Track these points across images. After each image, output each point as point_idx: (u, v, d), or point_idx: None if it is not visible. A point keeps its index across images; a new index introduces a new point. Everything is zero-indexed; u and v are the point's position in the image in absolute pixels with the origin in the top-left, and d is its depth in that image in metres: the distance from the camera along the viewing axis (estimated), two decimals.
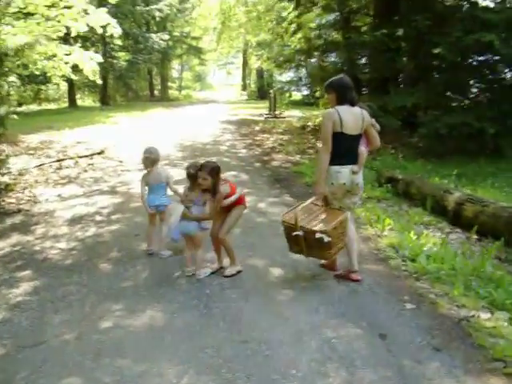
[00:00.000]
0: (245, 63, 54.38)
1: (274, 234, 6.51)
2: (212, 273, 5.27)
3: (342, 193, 4.92)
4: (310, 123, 20.15)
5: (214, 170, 4.93)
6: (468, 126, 11.39)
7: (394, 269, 5.43)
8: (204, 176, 4.85)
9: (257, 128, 20.09)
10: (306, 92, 35.32)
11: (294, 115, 24.60)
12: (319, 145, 5.01)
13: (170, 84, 53.39)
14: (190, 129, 19.59)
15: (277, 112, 25.23)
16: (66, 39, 21.61)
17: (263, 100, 39.31)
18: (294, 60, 18.77)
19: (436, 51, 11.51)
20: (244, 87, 55.36)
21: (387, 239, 6.32)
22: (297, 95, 34.23)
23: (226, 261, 5.40)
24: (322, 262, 5.37)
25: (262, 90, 44.55)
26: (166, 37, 37.12)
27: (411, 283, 5.03)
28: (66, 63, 13.25)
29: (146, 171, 5.87)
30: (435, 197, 7.82)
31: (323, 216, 4.88)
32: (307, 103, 31.65)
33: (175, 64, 56.57)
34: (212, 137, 17.44)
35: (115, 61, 35.00)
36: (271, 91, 27.93)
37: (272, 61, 23.79)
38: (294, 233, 4.70)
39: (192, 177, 5.06)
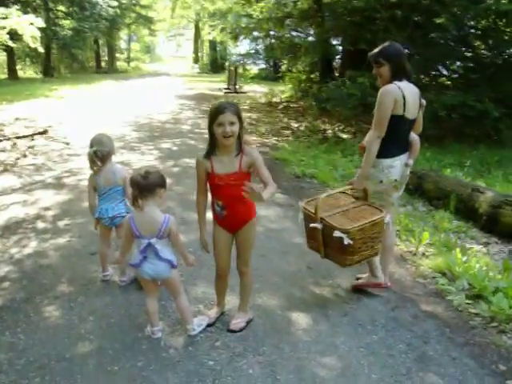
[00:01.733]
0: (197, 35, 52.28)
1: (278, 250, 5.00)
2: (209, 325, 3.64)
3: (389, 190, 4.03)
4: (275, 99, 18.61)
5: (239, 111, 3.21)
6: (468, 108, 10.04)
7: (459, 311, 3.95)
8: (231, 119, 3.10)
9: None
10: (262, 65, 34.08)
11: (255, 90, 23.04)
12: (373, 128, 3.89)
13: (118, 55, 50.79)
14: (145, 104, 17.71)
15: (237, 87, 23.49)
16: (1, 2, 19.47)
17: (216, 73, 37.76)
18: (261, 30, 17.01)
19: (438, 21, 10.04)
20: (196, 60, 53.20)
21: (429, 260, 4.85)
22: (252, 69, 32.62)
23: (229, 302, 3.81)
24: (359, 282, 4.32)
25: (215, 63, 42.97)
26: (115, 3, 34.66)
27: (496, 339, 3.56)
28: (3, 28, 11.62)
29: (93, 170, 4.20)
30: (461, 196, 6.41)
31: (354, 211, 3.89)
32: (266, 77, 30.26)
33: (123, 34, 53.63)
34: (170, 114, 15.63)
35: (59, 29, 32.41)
36: (229, 64, 26.26)
37: (227, 32, 22.08)
38: (312, 224, 3.79)
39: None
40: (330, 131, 12.15)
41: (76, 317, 3.75)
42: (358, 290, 4.24)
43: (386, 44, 3.95)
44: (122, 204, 4.23)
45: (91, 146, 4.13)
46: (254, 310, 3.80)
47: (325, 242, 3.80)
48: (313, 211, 3.78)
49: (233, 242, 3.50)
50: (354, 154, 9.52)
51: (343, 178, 7.90)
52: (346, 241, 3.56)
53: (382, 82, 3.90)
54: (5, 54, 29.26)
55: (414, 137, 4.08)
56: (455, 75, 12.48)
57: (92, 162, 4.11)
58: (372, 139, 3.81)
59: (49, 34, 29.05)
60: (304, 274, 4.57)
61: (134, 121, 13.89)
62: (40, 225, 5.76)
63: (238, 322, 3.57)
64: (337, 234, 3.58)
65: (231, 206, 3.31)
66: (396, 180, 3.94)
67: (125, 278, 4.28)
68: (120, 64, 49.28)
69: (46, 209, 6.33)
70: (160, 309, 3.68)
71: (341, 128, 12.32)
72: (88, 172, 4.35)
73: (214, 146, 3.26)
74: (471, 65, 11.79)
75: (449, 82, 12.24)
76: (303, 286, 4.30)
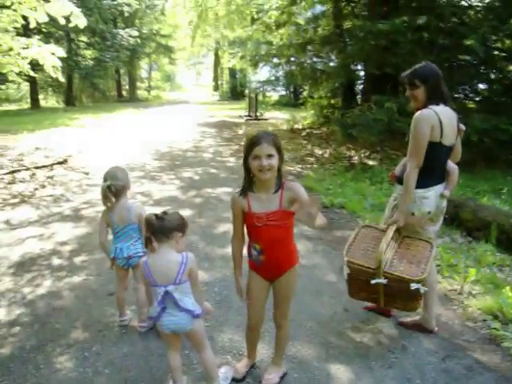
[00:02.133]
0: (216, 63, 52.53)
1: (311, 290, 4.61)
2: (238, 380, 3.23)
3: (423, 223, 3.72)
4: (297, 126, 18.31)
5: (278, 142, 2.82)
6: (501, 132, 9.59)
7: None
8: (268, 151, 2.72)
9: (240, 131, 18.09)
10: (282, 92, 33.97)
11: (276, 117, 22.79)
12: (409, 158, 3.59)
13: (138, 84, 51.32)
14: (165, 133, 17.51)
15: (257, 114, 23.28)
16: (24, 33, 19.62)
17: (236, 101, 37.73)
18: (281, 56, 16.78)
19: (468, 42, 9.67)
20: (216, 87, 53.43)
21: (477, 300, 4.40)
22: (272, 96, 32.48)
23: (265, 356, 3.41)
24: (408, 320, 4.03)
25: (235, 91, 42.99)
26: (135, 33, 34.95)
27: None
28: (24, 58, 11.57)
29: (106, 206, 3.84)
30: (503, 226, 5.97)
31: (405, 251, 3.62)
32: (286, 104, 30.06)
33: (144, 63, 54.24)
34: (192, 142, 15.38)
35: (81, 58, 32.78)
36: (250, 91, 26.14)
37: (247, 59, 21.97)
38: (375, 281, 3.41)
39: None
40: (355, 158, 11.75)
41: (90, 369, 3.38)
42: (403, 327, 3.99)
43: (422, 64, 3.68)
44: (139, 243, 3.86)
45: (105, 179, 3.78)
46: (288, 362, 3.40)
47: (389, 293, 3.50)
48: (369, 266, 3.45)
49: (269, 290, 3.09)
50: (382, 182, 9.11)
51: (373, 207, 7.50)
52: (423, 289, 3.35)
53: (416, 105, 3.64)
54: (28, 84, 29.51)
55: (451, 165, 3.78)
56: (479, 98, 12.05)
57: (105, 198, 3.76)
58: (410, 170, 3.51)
59: (71, 64, 29.41)
60: (341, 317, 4.15)
61: (154, 149, 13.66)
62: (55, 261, 5.45)
63: (271, 378, 3.15)
64: (414, 286, 3.30)
65: (270, 251, 2.90)
66: (429, 212, 3.63)
67: (145, 324, 3.90)
68: (141, 93, 49.76)
69: (63, 243, 6.02)
70: (184, 359, 3.30)
71: (366, 154, 11.93)
72: None
73: (250, 183, 2.88)
74: (498, 87, 11.37)
75: (474, 105, 11.80)
76: (341, 331, 3.89)
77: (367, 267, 3.46)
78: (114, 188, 3.73)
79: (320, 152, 12.82)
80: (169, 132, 17.70)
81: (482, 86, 12.30)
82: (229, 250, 5.73)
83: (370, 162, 11.25)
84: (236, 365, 3.33)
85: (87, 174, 10.35)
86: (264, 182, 2.80)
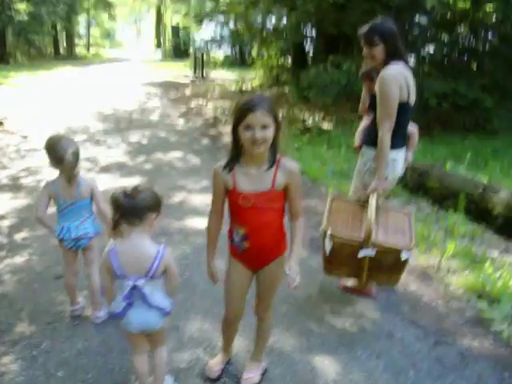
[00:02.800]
0: (158, 20, 50.76)
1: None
2: (213, 380, 2.83)
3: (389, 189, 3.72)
4: (246, 87, 17.75)
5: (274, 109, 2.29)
6: (460, 97, 9.44)
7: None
8: (264, 121, 2.20)
9: (187, 92, 17.36)
10: (228, 51, 33.15)
11: (222, 77, 22.08)
12: (380, 121, 3.32)
13: (76, 41, 49.01)
14: (108, 92, 16.63)
15: (203, 74, 22.53)
16: None
17: (180, 59, 36.59)
18: (231, 12, 16.05)
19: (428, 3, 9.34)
20: (158, 45, 51.75)
21: (457, 277, 4.15)
22: (217, 55, 31.66)
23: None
24: (348, 284, 3.94)
25: (178, 49, 41.80)
26: None
27: None
28: None
29: (54, 177, 3.23)
30: (471, 196, 5.77)
31: (386, 221, 3.43)
32: (232, 64, 29.36)
33: (82, 19, 51.78)
34: (137, 103, 14.62)
35: (14, 13, 30.69)
36: (194, 50, 25.26)
37: (192, 16, 21.12)
38: (363, 253, 3.20)
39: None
40: (309, 121, 11.36)
41: (40, 371, 2.90)
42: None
43: (379, 21, 3.43)
44: (89, 222, 3.32)
45: (64, 150, 3.07)
46: (267, 355, 3.01)
47: (374, 266, 3.30)
48: (356, 239, 3.23)
49: (251, 280, 2.65)
50: (340, 147, 8.78)
51: (335, 174, 7.18)
52: (410, 258, 3.25)
53: (373, 64, 3.47)
54: None
55: (410, 128, 3.66)
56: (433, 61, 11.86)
57: (72, 170, 3.13)
58: (383, 133, 3.29)
59: (3, 19, 27.54)
60: (317, 299, 3.82)
61: (98, 111, 12.85)
62: None
63: (251, 377, 2.77)
64: (405, 255, 3.18)
65: (256, 237, 2.43)
66: (399, 176, 3.61)
67: (100, 313, 3.45)
68: (79, 50, 47.62)
69: (1, 218, 5.42)
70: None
71: (321, 117, 11.56)
72: (48, 171, 3.43)
73: (237, 155, 2.37)
74: (452, 50, 11.22)
75: (428, 69, 11.61)
76: (320, 316, 3.55)
77: (354, 240, 3.23)
78: (74, 156, 3.10)
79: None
80: (111, 92, 16.80)
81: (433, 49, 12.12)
82: (187, 223, 5.32)
83: (326, 126, 10.91)
84: (209, 362, 2.91)
85: (25, 137, 9.55)
86: (255, 156, 2.31)
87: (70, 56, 40.87)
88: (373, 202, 3.25)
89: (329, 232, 3.28)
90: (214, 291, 3.52)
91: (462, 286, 3.99)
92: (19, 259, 4.40)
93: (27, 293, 3.83)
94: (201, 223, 5.25)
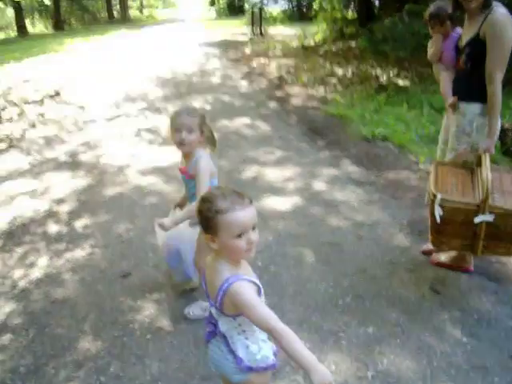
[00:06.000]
0: None
1: (383, 262, 3.55)
2: None
3: None
4: (308, 42, 16.73)
5: None
6: None
7: None
8: None
9: (247, 51, 16.50)
10: (285, 6, 31.92)
11: (281, 33, 21.07)
12: (492, 70, 3.01)
13: (130, 3, 48.58)
14: (165, 55, 16.01)
15: (262, 30, 21.57)
16: None
17: (234, 17, 35.57)
18: None
19: None
20: (212, 4, 50.66)
21: None
22: (274, 10, 30.54)
23: None
24: (442, 259, 3.53)
25: (233, 6, 40.70)
26: None
27: None
28: None
29: (207, 150, 2.77)
30: None
31: (496, 184, 3.05)
32: (290, 18, 28.24)
33: None
34: (196, 65, 13.92)
35: None
36: (250, 6, 24.39)
37: None
38: (480, 218, 2.82)
39: None
40: (383, 78, 10.37)
41: None
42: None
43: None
44: None
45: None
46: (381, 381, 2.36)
47: (489, 234, 2.89)
48: (466, 202, 2.90)
49: None
50: (422, 107, 7.84)
51: (422, 139, 6.32)
52: None
53: (475, 4, 3.06)
54: (12, 10, 27.60)
55: None
56: None
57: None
58: (496, 84, 3.07)
59: None
60: (432, 302, 3.11)
61: (156, 76, 12.25)
62: (52, 228, 4.37)
63: None
64: None
65: None
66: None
67: (192, 311, 2.91)
68: (133, 12, 47.34)
69: (60, 201, 4.94)
70: None
71: (395, 73, 10.54)
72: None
73: None
74: None
75: None
76: (439, 327, 2.84)
77: (469, 203, 2.89)
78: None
79: (341, 71, 11.40)
80: (168, 55, 16.15)
81: None
82: (264, 203, 4.64)
83: (401, 82, 9.92)
84: None
85: (83, 107, 9.10)
86: None
87: (124, 19, 40.64)
88: (487, 162, 2.97)
89: (439, 196, 2.91)
90: (307, 294, 3.03)
91: None
92: (80, 253, 3.89)
93: (91, 297, 3.31)
94: (280, 204, 4.59)
